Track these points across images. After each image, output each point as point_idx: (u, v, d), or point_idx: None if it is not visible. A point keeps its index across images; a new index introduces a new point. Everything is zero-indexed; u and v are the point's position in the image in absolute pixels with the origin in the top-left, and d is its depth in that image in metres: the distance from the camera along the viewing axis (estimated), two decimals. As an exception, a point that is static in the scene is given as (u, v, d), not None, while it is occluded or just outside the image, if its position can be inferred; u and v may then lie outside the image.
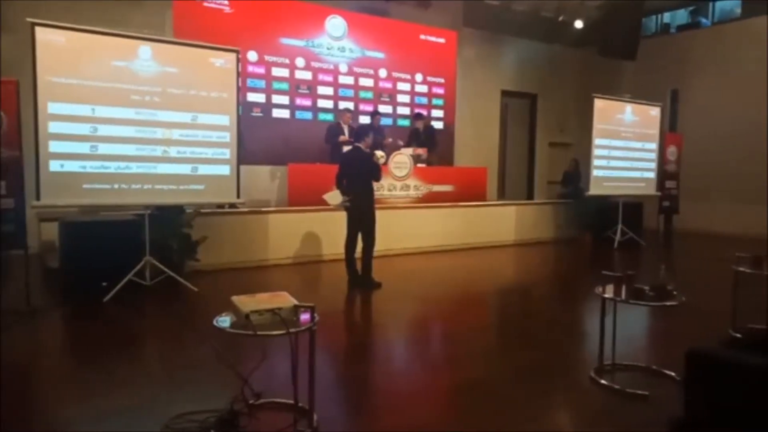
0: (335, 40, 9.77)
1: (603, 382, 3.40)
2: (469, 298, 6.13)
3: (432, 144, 9.43)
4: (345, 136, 8.53)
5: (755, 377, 2.30)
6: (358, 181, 5.94)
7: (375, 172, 6.02)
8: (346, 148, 8.35)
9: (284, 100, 9.34)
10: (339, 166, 6.17)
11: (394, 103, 10.52)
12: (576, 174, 11.39)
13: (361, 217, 5.96)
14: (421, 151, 9.00)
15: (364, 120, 9.39)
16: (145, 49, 5.48)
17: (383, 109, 10.26)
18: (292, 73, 9.40)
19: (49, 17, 5.23)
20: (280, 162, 8.44)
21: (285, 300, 2.65)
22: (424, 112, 10.40)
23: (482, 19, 11.59)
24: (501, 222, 9.44)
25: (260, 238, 7.08)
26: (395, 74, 10.48)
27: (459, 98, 11.47)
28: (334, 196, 6.08)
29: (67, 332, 4.69)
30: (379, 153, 6.13)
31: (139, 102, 5.48)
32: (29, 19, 5.01)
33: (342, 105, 9.62)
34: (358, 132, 6.15)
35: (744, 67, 10.85)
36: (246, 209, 7.14)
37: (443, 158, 10.44)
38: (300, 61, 9.44)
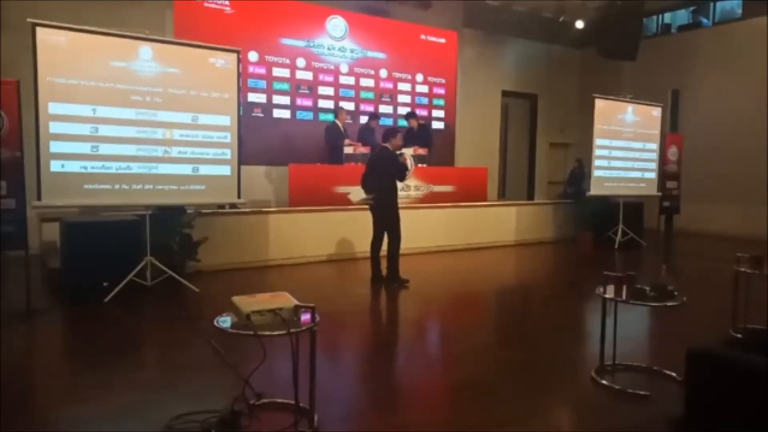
0: (336, 40, 9.78)
1: (604, 382, 3.40)
2: (469, 298, 6.13)
3: (427, 142, 9.41)
4: (347, 139, 8.54)
5: (755, 377, 2.30)
6: (383, 180, 5.99)
7: (400, 172, 6.13)
8: (347, 150, 8.38)
9: (285, 100, 9.35)
10: (366, 165, 6.28)
11: (395, 104, 10.52)
12: (581, 174, 11.43)
13: (384, 217, 6.02)
14: (422, 151, 8.99)
15: (365, 120, 9.39)
16: (145, 50, 5.49)
17: (384, 109, 10.27)
18: (292, 74, 9.41)
19: (49, 17, 5.24)
20: (281, 162, 8.44)
21: (286, 300, 2.65)
22: (423, 112, 10.42)
23: (483, 19, 11.61)
24: (501, 222, 9.43)
25: (261, 239, 7.08)
26: (396, 74, 10.49)
27: (460, 98, 11.48)
28: (357, 193, 6.17)
29: (68, 333, 4.69)
30: (408, 152, 6.26)
31: (140, 102, 5.48)
32: (30, 20, 5.01)
33: (343, 105, 9.60)
34: (386, 133, 6.23)
35: (745, 67, 10.83)
36: (247, 209, 7.14)
37: (443, 158, 10.44)
38: (301, 62, 9.45)
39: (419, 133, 9.39)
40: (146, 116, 5.52)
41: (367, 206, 6.20)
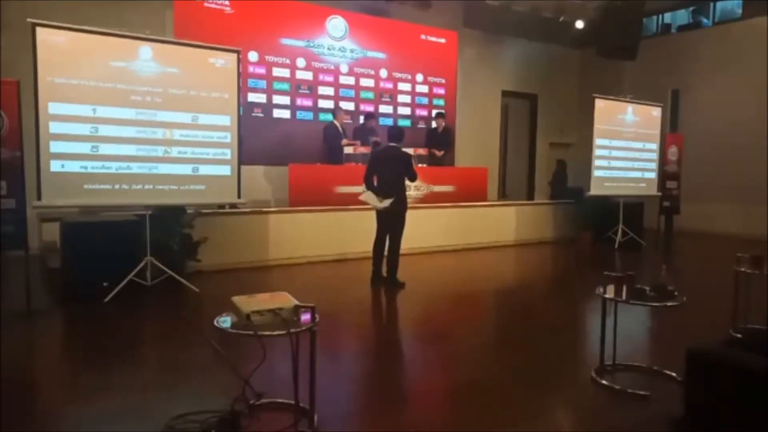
0: (336, 40, 9.77)
1: (604, 382, 3.41)
2: (469, 298, 6.13)
3: (448, 144, 9.44)
4: (347, 140, 8.54)
5: (755, 377, 2.30)
6: (393, 180, 5.88)
7: (411, 172, 5.99)
8: (347, 150, 8.38)
9: (285, 100, 9.35)
10: (369, 163, 6.06)
11: (395, 104, 10.52)
12: (563, 174, 11.47)
13: (392, 219, 5.91)
14: (423, 151, 9.00)
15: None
16: (145, 50, 5.49)
17: (384, 109, 10.27)
18: (292, 74, 9.41)
19: (49, 17, 5.24)
20: (281, 162, 8.44)
21: (285, 300, 2.65)
22: (423, 112, 10.43)
23: (483, 19, 11.61)
24: (501, 222, 9.43)
25: (261, 239, 7.08)
26: (396, 74, 10.48)
27: (459, 98, 11.48)
28: (373, 197, 5.87)
29: (68, 333, 4.69)
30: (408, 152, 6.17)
31: (140, 102, 5.48)
32: (30, 20, 5.01)
33: (343, 105, 9.62)
34: (396, 132, 6.14)
35: (745, 67, 10.83)
36: (247, 209, 7.14)
37: (443, 158, 10.43)
38: (301, 62, 9.45)
39: (443, 135, 9.42)
40: (146, 116, 5.52)
41: (369, 206, 6.06)
